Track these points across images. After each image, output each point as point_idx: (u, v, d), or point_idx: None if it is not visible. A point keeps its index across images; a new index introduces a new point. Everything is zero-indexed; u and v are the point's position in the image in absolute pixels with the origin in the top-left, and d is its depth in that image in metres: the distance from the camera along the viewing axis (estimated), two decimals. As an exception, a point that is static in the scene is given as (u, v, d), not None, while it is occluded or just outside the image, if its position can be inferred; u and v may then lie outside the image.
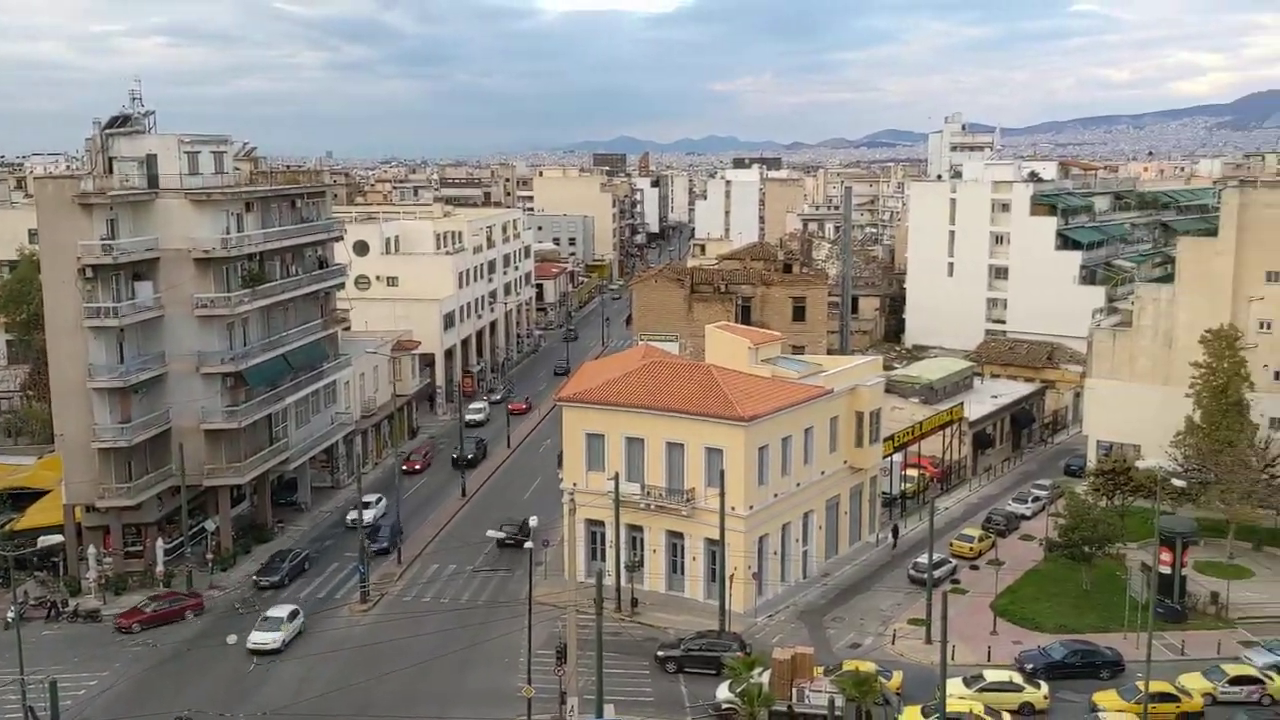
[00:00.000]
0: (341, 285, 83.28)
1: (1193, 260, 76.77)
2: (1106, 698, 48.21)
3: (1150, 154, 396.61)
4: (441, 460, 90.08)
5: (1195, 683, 49.16)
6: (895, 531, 71.13)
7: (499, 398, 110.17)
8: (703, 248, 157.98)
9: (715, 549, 56.70)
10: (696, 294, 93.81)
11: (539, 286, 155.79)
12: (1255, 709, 47.22)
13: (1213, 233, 79.37)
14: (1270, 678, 49.51)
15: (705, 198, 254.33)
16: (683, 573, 60.47)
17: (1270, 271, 72.67)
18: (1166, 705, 46.98)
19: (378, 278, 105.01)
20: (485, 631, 55.42)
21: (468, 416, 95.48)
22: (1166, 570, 56.31)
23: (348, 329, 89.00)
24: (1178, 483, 63.08)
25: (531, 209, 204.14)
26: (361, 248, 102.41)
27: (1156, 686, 46.47)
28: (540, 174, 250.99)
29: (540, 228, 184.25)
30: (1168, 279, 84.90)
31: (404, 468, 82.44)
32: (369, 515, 71.24)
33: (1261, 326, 72.98)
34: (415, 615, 57.93)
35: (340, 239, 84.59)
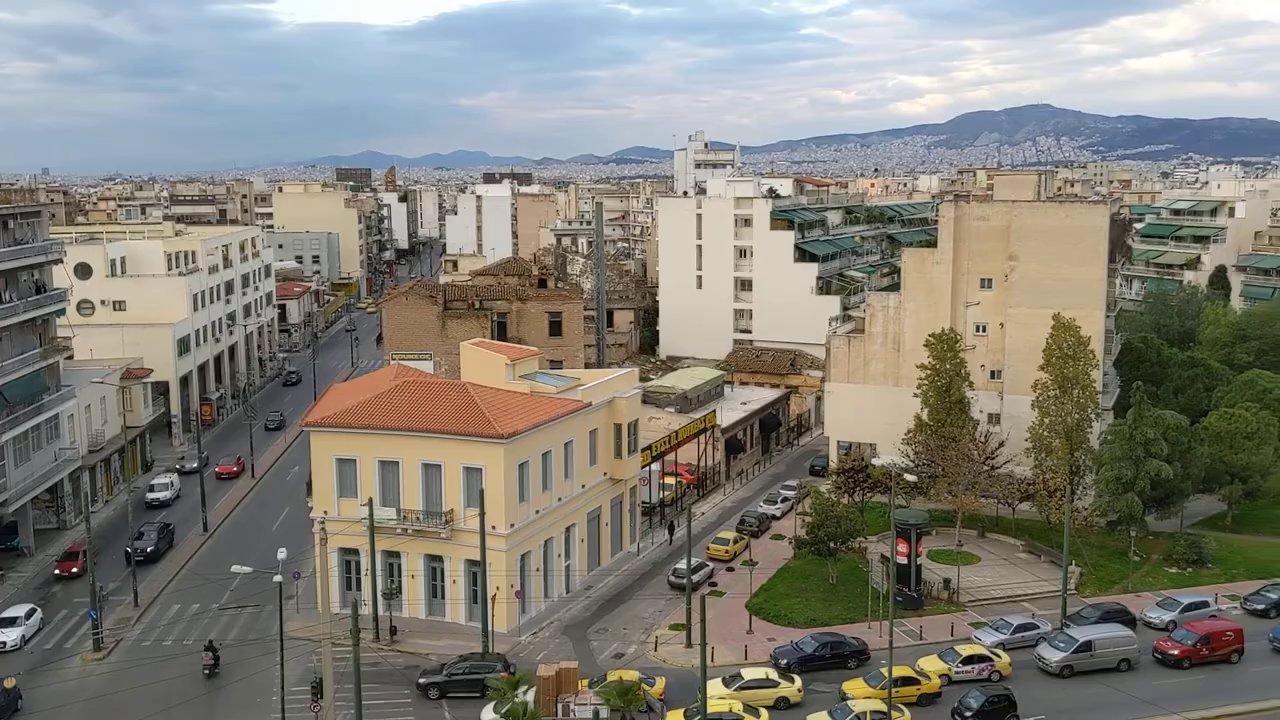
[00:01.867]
0: (62, 311, 77.11)
1: (916, 270, 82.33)
2: (854, 686, 50.74)
3: (876, 171, 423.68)
4: (113, 555, 69.33)
5: (933, 665, 52.52)
6: (671, 528, 72.68)
7: (193, 465, 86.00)
8: (455, 264, 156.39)
9: (476, 570, 55.90)
10: (450, 311, 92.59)
11: (282, 307, 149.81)
12: (986, 684, 50.85)
13: (933, 244, 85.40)
14: (998, 655, 53.52)
15: (456, 213, 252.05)
16: (443, 597, 59.30)
17: (984, 278, 78.89)
18: (908, 688, 49.92)
19: (103, 302, 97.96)
20: (235, 672, 52.41)
21: (149, 496, 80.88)
22: (903, 561, 59.94)
23: (70, 358, 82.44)
24: (910, 477, 67.46)
25: (271, 226, 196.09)
26: (84, 270, 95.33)
27: (899, 671, 49.33)
28: (280, 190, 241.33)
29: (281, 245, 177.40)
30: (895, 288, 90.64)
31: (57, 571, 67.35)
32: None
33: (978, 330, 79.07)
34: (156, 660, 54.09)
35: (59, 261, 78.32)
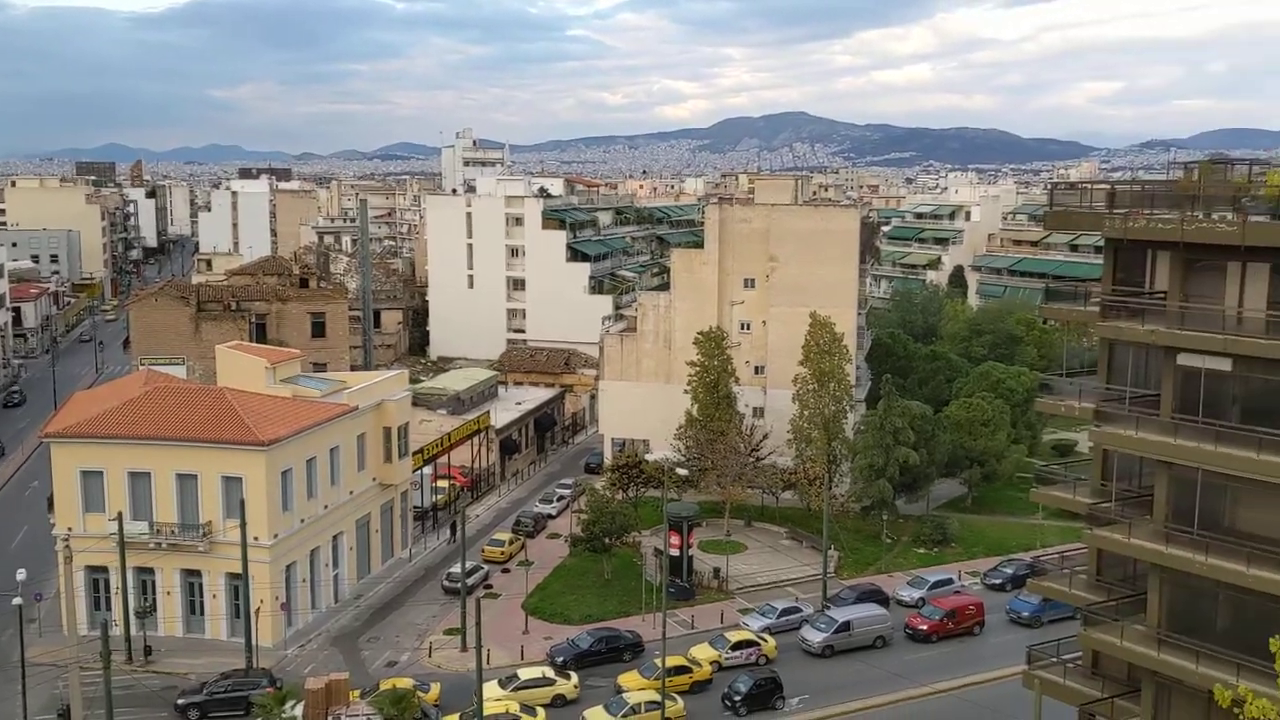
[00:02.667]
0: None
1: (684, 270, 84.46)
2: (630, 678, 51.55)
3: (644, 173, 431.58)
4: None
5: (704, 653, 54.04)
6: (453, 528, 71.81)
7: None
8: (209, 263, 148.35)
9: (238, 583, 53.38)
10: (204, 313, 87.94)
11: (16, 310, 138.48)
12: (754, 668, 52.76)
13: (700, 245, 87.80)
14: (764, 639, 55.63)
15: (210, 210, 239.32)
16: (203, 613, 56.31)
17: (747, 278, 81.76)
18: (681, 677, 51.17)
19: None
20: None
21: None
22: (676, 552, 61.38)
23: None
24: (681, 471, 69.09)
25: (4, 224, 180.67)
26: None
27: (672, 661, 50.49)
28: (13, 184, 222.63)
29: (15, 244, 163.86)
30: (665, 287, 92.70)
31: None
32: None
33: (743, 327, 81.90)
34: None
35: None
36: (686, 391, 76.14)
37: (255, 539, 53.00)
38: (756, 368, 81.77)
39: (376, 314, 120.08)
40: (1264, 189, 34.02)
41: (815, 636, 56.00)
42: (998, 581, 65.23)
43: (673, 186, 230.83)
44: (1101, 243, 40.32)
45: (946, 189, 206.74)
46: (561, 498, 79.85)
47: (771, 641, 55.74)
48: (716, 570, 65.22)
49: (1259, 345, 31.88)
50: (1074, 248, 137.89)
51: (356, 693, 47.35)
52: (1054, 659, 40.76)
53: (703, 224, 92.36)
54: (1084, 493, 39.30)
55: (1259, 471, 32.06)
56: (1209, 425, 33.36)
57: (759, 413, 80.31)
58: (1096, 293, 38.78)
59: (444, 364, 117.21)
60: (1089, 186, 39.84)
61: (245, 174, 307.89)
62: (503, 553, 68.76)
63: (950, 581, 64.50)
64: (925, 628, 57.76)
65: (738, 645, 54.76)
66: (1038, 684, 39.52)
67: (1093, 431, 37.45)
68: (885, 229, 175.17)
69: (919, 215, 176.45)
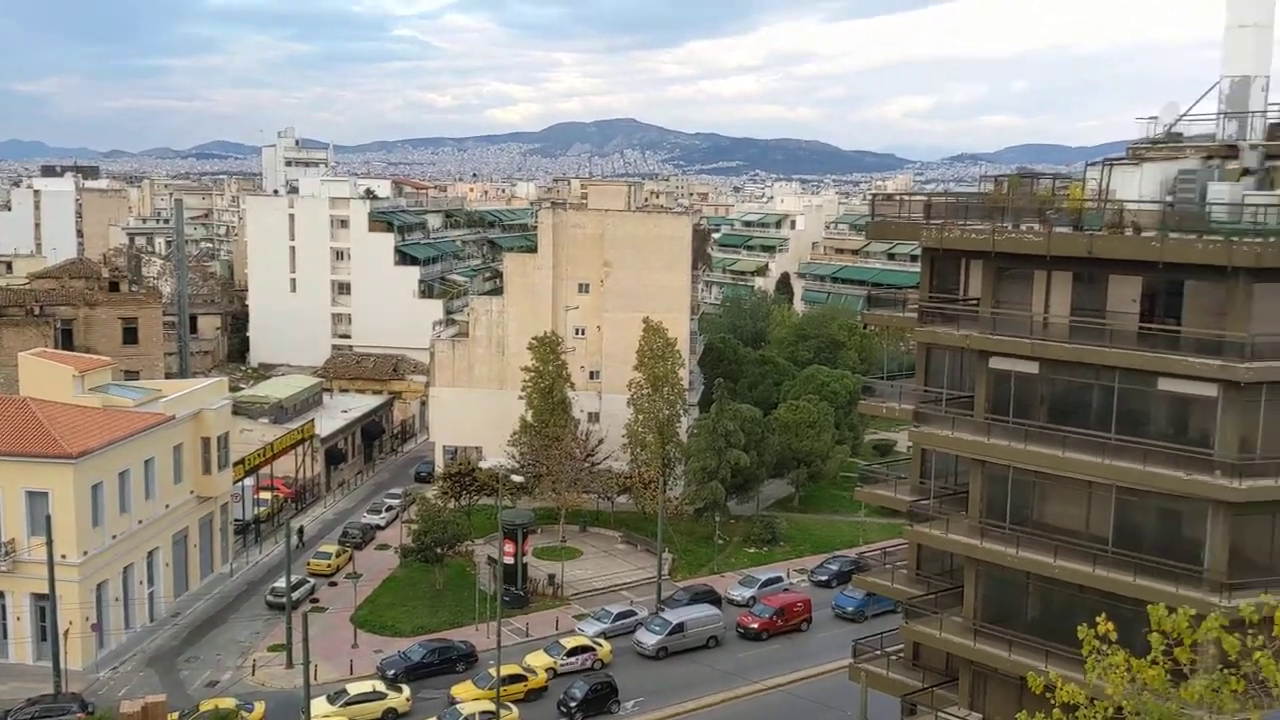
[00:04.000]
0: None
1: (518, 274, 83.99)
2: (463, 689, 50.86)
3: (475, 176, 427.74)
4: None
5: (539, 660, 53.80)
6: (301, 532, 70.22)
7: None
8: (9, 265, 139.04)
9: (45, 604, 50.17)
10: (5, 319, 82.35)
11: None
12: (590, 674, 52.83)
13: (533, 249, 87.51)
14: (600, 644, 55.79)
15: (10, 209, 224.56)
16: (5, 636, 52.73)
17: (581, 283, 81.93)
18: (516, 685, 50.82)
19: None
20: None
21: None
22: (510, 560, 60.91)
23: None
24: (516, 478, 68.68)
25: None
26: None
27: (506, 670, 50.07)
28: None
29: None
30: (498, 292, 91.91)
31: None
32: None
33: (577, 332, 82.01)
34: None
35: None
36: (521, 397, 75.70)
37: (63, 557, 49.92)
38: (591, 373, 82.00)
39: (193, 319, 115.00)
40: (1066, 202, 36.18)
41: (649, 639, 56.50)
42: (824, 578, 67.25)
43: (504, 190, 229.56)
44: (918, 252, 42.13)
45: (773, 198, 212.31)
46: (390, 508, 78.14)
47: (607, 646, 55.94)
48: (551, 577, 65.04)
49: (1063, 349, 33.86)
50: (891, 256, 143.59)
51: (175, 715, 45.23)
52: (878, 652, 42.34)
53: (536, 228, 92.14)
54: (904, 490, 40.95)
55: (1063, 468, 34.04)
56: (1019, 425, 35.24)
57: (594, 418, 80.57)
58: (914, 299, 40.47)
59: (266, 371, 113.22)
60: (907, 198, 41.55)
61: (49, 171, 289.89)
62: (329, 565, 66.80)
63: (780, 580, 66.16)
64: (756, 626, 59.04)
65: (573, 651, 54.73)
66: (863, 677, 40.92)
67: (912, 432, 39.06)
68: (716, 236, 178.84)
69: (747, 223, 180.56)
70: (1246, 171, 33.77)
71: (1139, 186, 34.15)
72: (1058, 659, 31.70)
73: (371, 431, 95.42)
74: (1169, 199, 33.60)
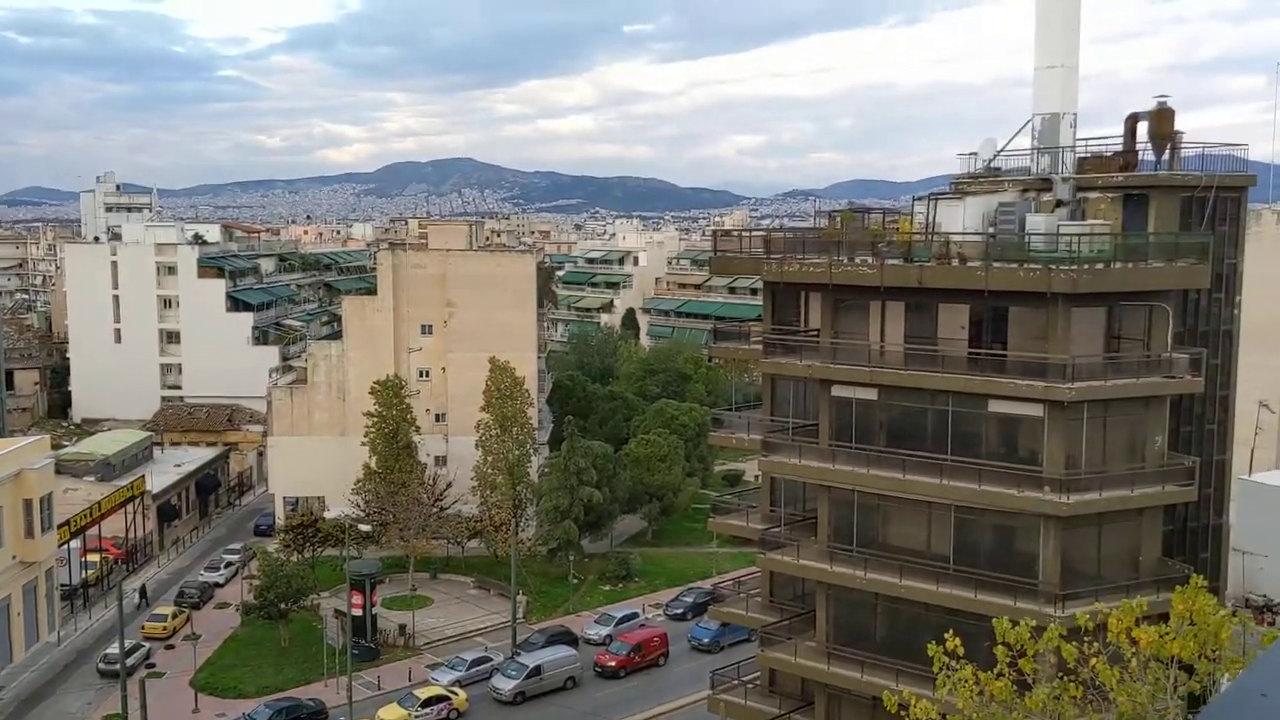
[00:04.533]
0: None
1: (357, 317, 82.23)
2: (316, 749, 48.94)
3: (309, 218, 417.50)
4: None
5: (393, 713, 52.25)
6: (143, 591, 67.11)
7: None
8: None
9: None
10: None
11: None
12: (446, 724, 51.59)
13: (372, 291, 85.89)
14: (455, 693, 54.60)
15: None
16: None
17: (424, 324, 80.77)
18: (371, 741, 49.19)
19: None
20: None
21: None
22: (358, 612, 59.14)
23: None
24: (363, 527, 66.84)
25: None
26: None
27: (361, 726, 48.44)
28: None
29: None
30: (337, 336, 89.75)
31: None
32: None
33: (421, 375, 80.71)
34: None
35: None
36: (364, 443, 73.87)
37: None
38: (437, 415, 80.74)
39: (9, 374, 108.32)
40: (896, 235, 37.69)
41: (506, 684, 55.63)
42: (680, 611, 67.58)
43: (340, 232, 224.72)
44: (759, 285, 43.14)
45: (615, 235, 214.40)
46: (230, 564, 74.97)
47: (462, 694, 54.79)
48: (402, 627, 63.43)
49: (899, 375, 35.14)
50: (733, 290, 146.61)
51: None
52: (735, 681, 42.74)
53: (374, 270, 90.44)
54: (755, 519, 41.66)
55: (905, 490, 35.23)
56: (861, 450, 36.33)
57: (441, 461, 79.24)
58: (758, 332, 41.40)
59: (90, 427, 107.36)
60: (747, 234, 42.60)
61: None
62: (165, 628, 63.52)
63: (636, 616, 66.16)
64: (613, 663, 58.82)
65: (427, 702, 53.37)
66: (722, 707, 41.25)
67: (760, 461, 39.81)
68: (559, 273, 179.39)
69: (590, 260, 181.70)
70: (1060, 203, 35.87)
71: (963, 219, 35.87)
72: (909, 677, 32.61)
73: (207, 485, 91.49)
74: (991, 230, 35.39)
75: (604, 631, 63.28)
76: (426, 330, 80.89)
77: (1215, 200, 35.54)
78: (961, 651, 22.57)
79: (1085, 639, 21.72)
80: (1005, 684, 21.87)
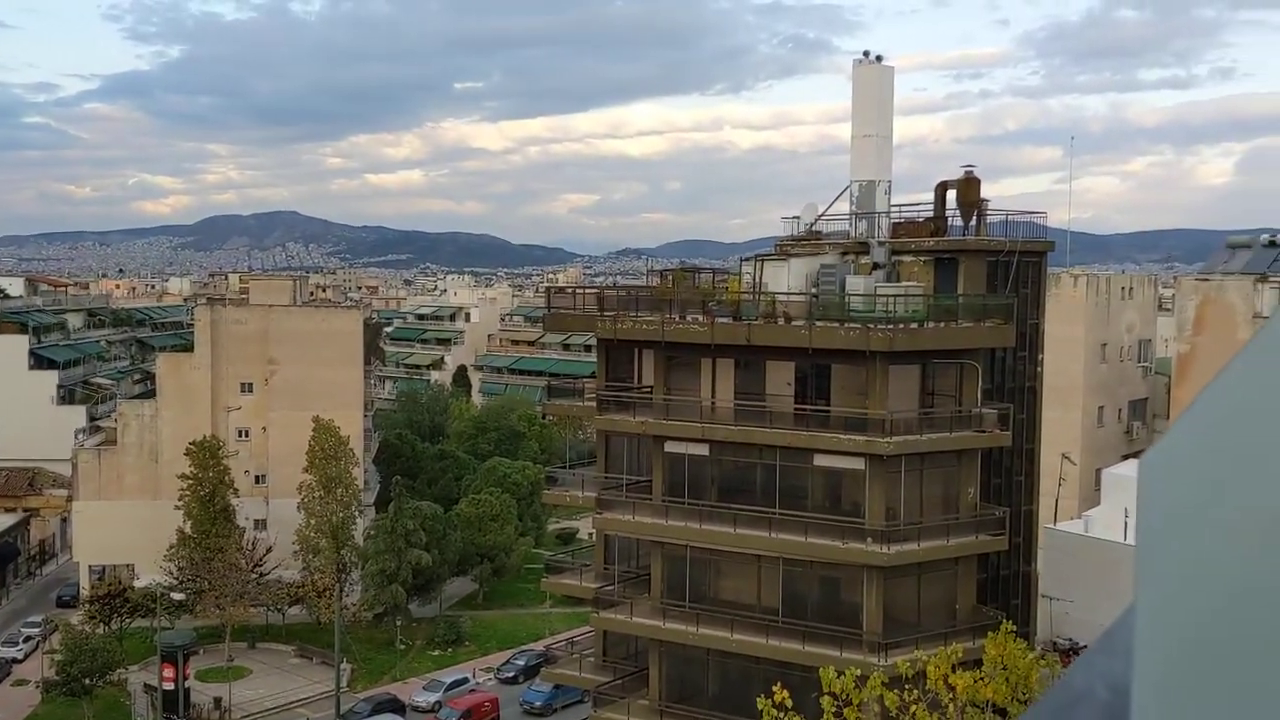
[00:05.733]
0: None
1: (172, 375, 78.71)
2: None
3: (121, 271, 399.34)
4: None
5: (208, 793, 49.42)
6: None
7: None
8: None
9: None
10: None
11: None
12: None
13: (189, 348, 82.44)
14: (276, 768, 52.09)
15: None
16: None
17: (245, 382, 77.89)
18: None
19: None
20: None
21: None
22: (170, 686, 55.95)
23: None
24: (176, 595, 63.51)
25: None
26: None
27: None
28: None
29: None
30: (150, 394, 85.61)
31: None
32: None
33: (241, 435, 77.62)
34: None
35: None
36: (178, 507, 70.28)
37: None
38: (257, 477, 77.67)
39: None
40: (726, 294, 38.65)
41: (331, 756, 53.41)
42: (512, 674, 66.44)
43: (154, 286, 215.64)
44: (593, 342, 43.45)
45: (445, 291, 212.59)
46: (29, 638, 69.94)
47: (284, 769, 52.33)
48: (218, 700, 60.23)
49: (730, 431, 35.84)
50: (567, 346, 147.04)
51: None
52: (569, 744, 42.20)
53: (191, 326, 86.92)
54: (589, 578, 41.51)
55: (735, 544, 35.79)
56: (694, 505, 36.78)
57: (261, 524, 76.08)
58: (592, 388, 41.60)
59: None
60: (581, 291, 42.93)
61: None
62: (-47, 711, 58.66)
63: (466, 680, 64.68)
64: (443, 730, 57.28)
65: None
66: (556, 771, 40.60)
67: (595, 518, 39.80)
68: (388, 330, 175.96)
69: (420, 316, 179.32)
70: (877, 265, 37.54)
71: (787, 279, 37.09)
72: (740, 731, 32.91)
73: (5, 554, 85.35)
74: (814, 290, 36.70)
75: (433, 698, 61.59)
76: (247, 388, 78.04)
77: (1018, 264, 37.85)
78: (790, 703, 22.95)
79: (906, 686, 22.41)
80: (832, 734, 22.32)
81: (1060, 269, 65.70)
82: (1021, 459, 39.30)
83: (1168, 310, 73.98)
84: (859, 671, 23.13)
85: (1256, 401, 1.27)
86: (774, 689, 23.14)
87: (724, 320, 36.19)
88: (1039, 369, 39.68)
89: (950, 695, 21.72)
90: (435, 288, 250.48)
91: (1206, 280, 51.42)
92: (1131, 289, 70.95)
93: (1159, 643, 1.31)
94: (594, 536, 43.39)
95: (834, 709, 22.35)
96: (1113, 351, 66.77)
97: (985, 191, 39.26)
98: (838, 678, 22.32)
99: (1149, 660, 1.32)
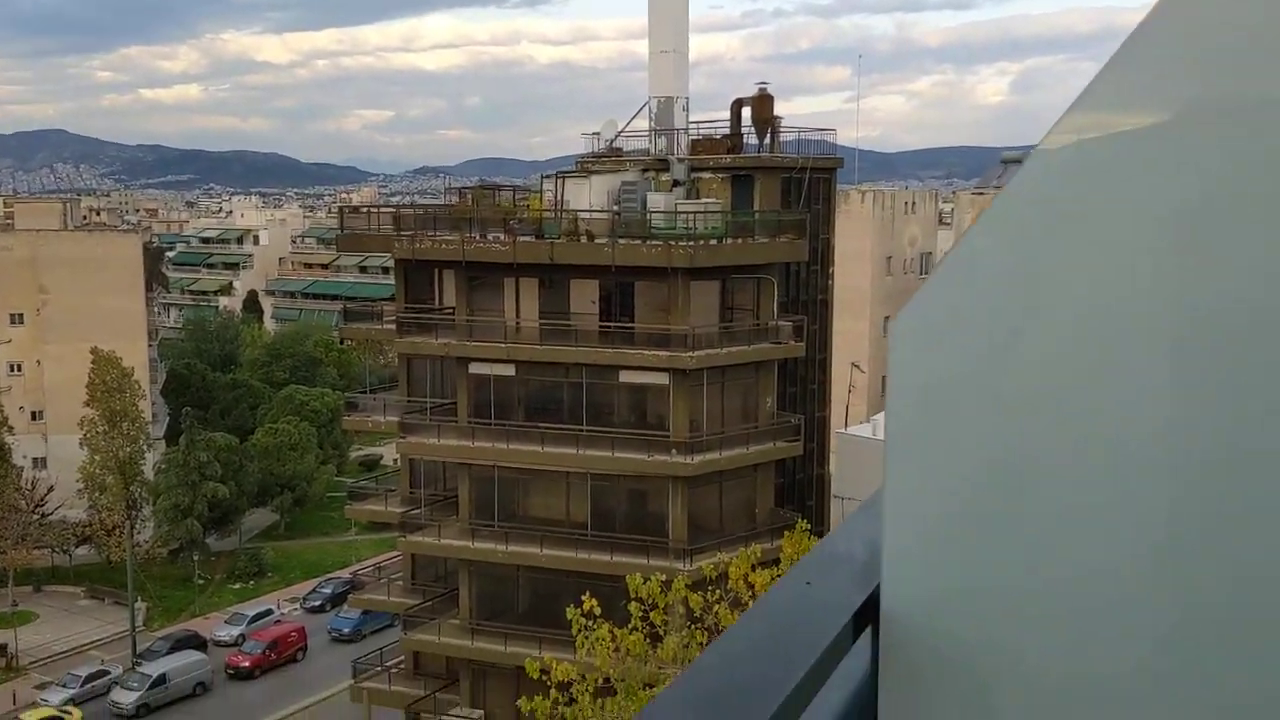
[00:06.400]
0: None
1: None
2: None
3: None
4: None
5: (-6, 746, 47.05)
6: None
7: None
8: None
9: None
10: None
11: None
12: (58, 750, 47.12)
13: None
14: (69, 712, 49.95)
15: None
16: None
17: (14, 313, 72.69)
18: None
19: None
20: None
21: None
22: None
23: None
24: (-55, 543, 59.33)
25: None
26: None
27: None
28: None
29: None
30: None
31: None
32: None
33: (12, 369, 72.57)
34: None
35: None
36: (-56, 449, 65.45)
37: None
38: (34, 413, 72.94)
39: None
40: (527, 212, 38.38)
41: (127, 697, 51.52)
42: (318, 603, 65.45)
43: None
44: (391, 264, 42.48)
45: (232, 213, 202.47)
46: None
47: (77, 713, 50.14)
48: (4, 646, 57.07)
49: (534, 351, 35.93)
50: (363, 269, 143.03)
51: None
52: (378, 668, 42.14)
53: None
54: (395, 503, 41.13)
55: (543, 462, 36.13)
56: (500, 426, 36.82)
57: (41, 463, 71.71)
58: (391, 311, 40.77)
59: None
60: (376, 210, 41.76)
61: None
62: None
63: (270, 612, 63.32)
64: (247, 664, 56.02)
65: (37, 727, 48.48)
66: (364, 695, 40.54)
67: (399, 443, 39.33)
68: (170, 255, 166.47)
69: (206, 240, 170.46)
70: (677, 182, 37.97)
71: (589, 197, 37.10)
72: (551, 643, 33.53)
73: None
74: (615, 208, 36.87)
75: (235, 631, 60.07)
76: (17, 320, 72.79)
77: (810, 181, 39.04)
78: (599, 612, 23.53)
79: (710, 588, 23.33)
80: (638, 637, 23.05)
81: (849, 186, 68.15)
82: (815, 368, 40.99)
83: (947, 224, 78.07)
84: (664, 576, 23.90)
85: (1001, 263, 1.32)
86: (583, 599, 23.65)
87: (526, 239, 35.95)
88: (830, 282, 41.26)
89: (750, 592, 22.73)
90: (221, 209, 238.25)
91: (982, 194, 54.56)
92: (914, 204, 74.41)
93: (907, 507, 1.37)
94: (398, 462, 42.91)
95: (641, 613, 23.06)
96: (897, 264, 70.10)
97: (779, 110, 40.13)
98: (644, 583, 23.02)
99: (897, 520, 1.37)
